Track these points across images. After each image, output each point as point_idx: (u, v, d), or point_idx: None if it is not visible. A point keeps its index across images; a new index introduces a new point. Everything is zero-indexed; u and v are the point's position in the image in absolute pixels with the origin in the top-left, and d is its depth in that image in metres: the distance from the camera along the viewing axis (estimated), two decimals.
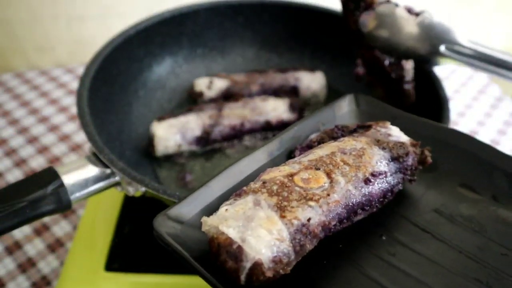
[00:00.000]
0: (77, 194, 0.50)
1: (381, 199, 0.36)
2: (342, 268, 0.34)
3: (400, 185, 0.38)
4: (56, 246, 0.70)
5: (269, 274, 0.28)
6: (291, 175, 0.34)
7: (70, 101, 0.96)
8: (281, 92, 0.77)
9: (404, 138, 0.40)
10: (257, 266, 0.28)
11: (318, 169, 0.35)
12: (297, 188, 0.33)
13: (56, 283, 0.59)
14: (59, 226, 0.72)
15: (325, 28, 0.81)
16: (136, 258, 0.59)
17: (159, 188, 0.50)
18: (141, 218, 0.64)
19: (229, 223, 0.30)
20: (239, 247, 0.28)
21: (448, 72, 1.07)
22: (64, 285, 0.57)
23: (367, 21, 0.61)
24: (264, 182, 0.33)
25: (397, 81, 0.63)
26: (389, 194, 0.37)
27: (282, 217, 0.30)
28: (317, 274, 0.33)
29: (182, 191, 0.64)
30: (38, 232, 0.71)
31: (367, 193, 0.35)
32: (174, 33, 0.79)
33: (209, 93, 0.76)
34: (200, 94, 0.76)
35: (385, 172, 0.37)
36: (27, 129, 0.89)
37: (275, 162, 0.38)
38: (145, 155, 0.70)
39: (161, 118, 0.69)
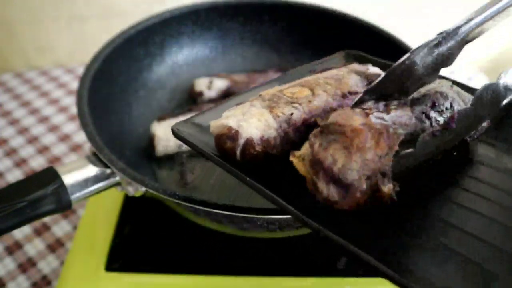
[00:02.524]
0: (77, 194, 0.50)
1: None
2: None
3: None
4: (56, 246, 0.70)
5: (258, 148, 0.36)
6: (281, 90, 0.41)
7: (70, 101, 0.96)
8: None
9: (381, 72, 0.46)
10: (248, 142, 0.36)
11: (303, 86, 0.42)
12: (285, 97, 0.40)
13: (56, 283, 0.59)
14: (59, 226, 0.72)
15: (325, 28, 0.81)
16: (136, 258, 0.59)
17: (159, 188, 0.50)
18: (141, 218, 0.64)
19: (230, 118, 0.38)
20: (236, 131, 0.36)
21: (447, 72, 1.07)
22: (64, 285, 0.57)
23: None
24: (260, 95, 0.41)
25: None
26: None
27: (271, 112, 0.38)
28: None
29: (183, 190, 0.64)
30: (38, 232, 0.71)
31: (343, 105, 0.41)
32: (174, 33, 0.79)
33: (209, 93, 0.76)
34: (200, 94, 0.76)
35: (360, 92, 0.42)
36: (27, 129, 0.89)
37: None
38: (145, 155, 0.70)
39: (161, 118, 0.69)
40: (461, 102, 0.41)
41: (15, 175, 0.80)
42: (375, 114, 0.34)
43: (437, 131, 0.37)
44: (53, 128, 0.90)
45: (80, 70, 1.00)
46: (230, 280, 0.56)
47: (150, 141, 0.68)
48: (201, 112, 0.44)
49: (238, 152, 0.36)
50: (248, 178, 0.35)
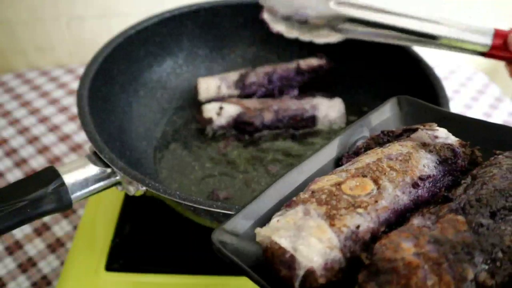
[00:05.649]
0: (78, 194, 0.50)
1: (429, 201, 0.36)
2: None
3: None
4: (56, 246, 0.70)
5: (321, 281, 0.29)
6: (339, 184, 0.34)
7: (70, 101, 0.96)
8: (296, 121, 0.73)
9: (452, 139, 0.40)
10: (309, 273, 0.29)
11: (365, 176, 0.35)
12: (345, 196, 0.33)
13: (57, 283, 0.59)
14: (60, 226, 0.72)
15: None
16: (136, 258, 0.59)
17: (159, 187, 0.50)
18: (142, 217, 0.64)
19: (281, 233, 0.31)
20: (292, 256, 0.29)
21: (447, 72, 1.08)
22: (64, 285, 0.57)
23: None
24: (313, 192, 0.34)
25: None
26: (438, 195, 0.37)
27: (332, 225, 0.31)
28: None
29: (183, 193, 0.64)
30: (38, 232, 0.71)
31: (415, 197, 0.35)
32: (174, 33, 0.79)
33: (219, 120, 0.72)
34: (210, 121, 0.72)
35: (433, 175, 0.36)
36: (27, 129, 0.89)
37: (323, 171, 0.39)
38: (146, 155, 0.70)
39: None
40: None
41: (15, 175, 0.80)
42: (428, 234, 0.29)
43: None
44: (54, 128, 0.90)
45: (80, 70, 1.00)
46: (230, 280, 0.56)
47: (194, 98, 0.76)
48: (237, 212, 0.35)
49: (297, 285, 0.30)
50: None
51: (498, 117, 0.97)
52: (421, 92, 0.66)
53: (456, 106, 0.99)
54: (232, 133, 0.73)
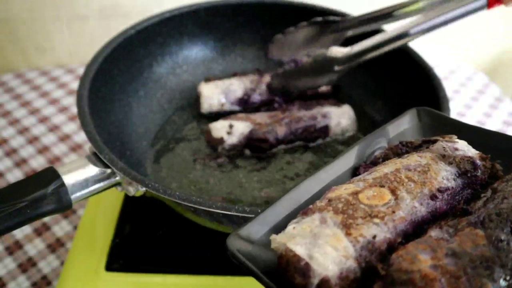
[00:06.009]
0: (78, 194, 0.50)
1: (448, 214, 0.36)
2: None
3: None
4: (56, 246, 0.70)
5: None
6: (356, 193, 0.34)
7: (70, 101, 0.96)
8: (310, 132, 0.71)
9: (472, 151, 0.39)
10: (324, 282, 0.29)
11: (382, 186, 0.35)
12: (362, 206, 0.33)
13: (57, 283, 0.59)
14: (60, 226, 0.72)
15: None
16: (136, 258, 0.60)
17: (159, 188, 0.50)
18: (142, 218, 0.64)
19: (296, 240, 0.31)
20: (307, 264, 0.29)
21: (447, 72, 1.07)
22: (64, 285, 0.57)
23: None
24: (329, 200, 0.34)
25: None
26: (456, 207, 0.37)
27: (348, 234, 0.31)
28: None
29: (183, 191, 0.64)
30: (38, 232, 0.71)
31: (433, 209, 0.35)
32: (174, 33, 0.79)
33: (231, 139, 0.68)
34: (221, 141, 0.68)
35: (452, 188, 0.36)
36: (27, 129, 0.89)
37: (340, 180, 0.39)
38: (146, 155, 0.70)
39: (207, 79, 0.76)
40: None
41: (15, 175, 0.80)
42: (445, 247, 0.28)
43: None
44: (53, 128, 0.90)
45: (80, 70, 1.00)
46: (230, 280, 0.56)
47: (196, 99, 0.76)
48: (252, 219, 0.35)
49: None
50: None
51: (498, 117, 0.97)
52: (421, 92, 0.67)
53: (456, 106, 0.99)
54: (247, 155, 0.70)
